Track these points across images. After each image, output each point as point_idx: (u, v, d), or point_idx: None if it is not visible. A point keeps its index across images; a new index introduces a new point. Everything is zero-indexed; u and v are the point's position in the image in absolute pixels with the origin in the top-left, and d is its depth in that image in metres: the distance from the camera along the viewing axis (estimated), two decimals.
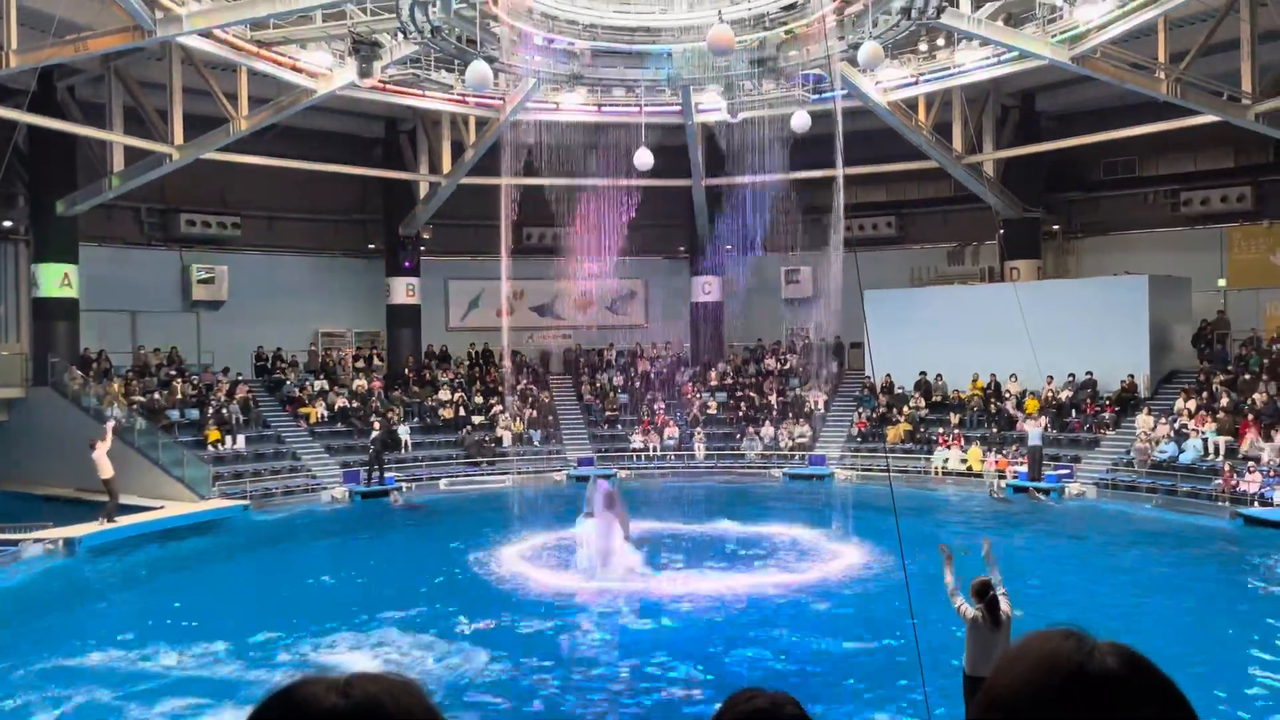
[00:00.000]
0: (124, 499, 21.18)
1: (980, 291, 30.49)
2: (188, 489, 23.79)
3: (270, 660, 12.61)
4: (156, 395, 26.75)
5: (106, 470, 20.35)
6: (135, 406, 25.77)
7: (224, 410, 27.05)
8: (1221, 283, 29.23)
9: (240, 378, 29.09)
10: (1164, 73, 22.58)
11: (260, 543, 21.12)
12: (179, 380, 27.72)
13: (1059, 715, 1.04)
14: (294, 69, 24.43)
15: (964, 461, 26.83)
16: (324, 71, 24.68)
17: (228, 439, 26.39)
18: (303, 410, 28.92)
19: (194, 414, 26.80)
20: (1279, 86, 22.50)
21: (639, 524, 19.40)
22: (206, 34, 21.91)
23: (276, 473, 26.25)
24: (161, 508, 22.49)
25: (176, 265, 30.68)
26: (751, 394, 32.19)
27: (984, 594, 8.86)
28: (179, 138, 24.69)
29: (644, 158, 25.68)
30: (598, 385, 33.17)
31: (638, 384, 33.11)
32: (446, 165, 30.54)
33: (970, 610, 8.92)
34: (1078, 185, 31.32)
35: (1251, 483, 21.61)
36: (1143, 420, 25.04)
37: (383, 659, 12.72)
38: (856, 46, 21.16)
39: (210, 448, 25.83)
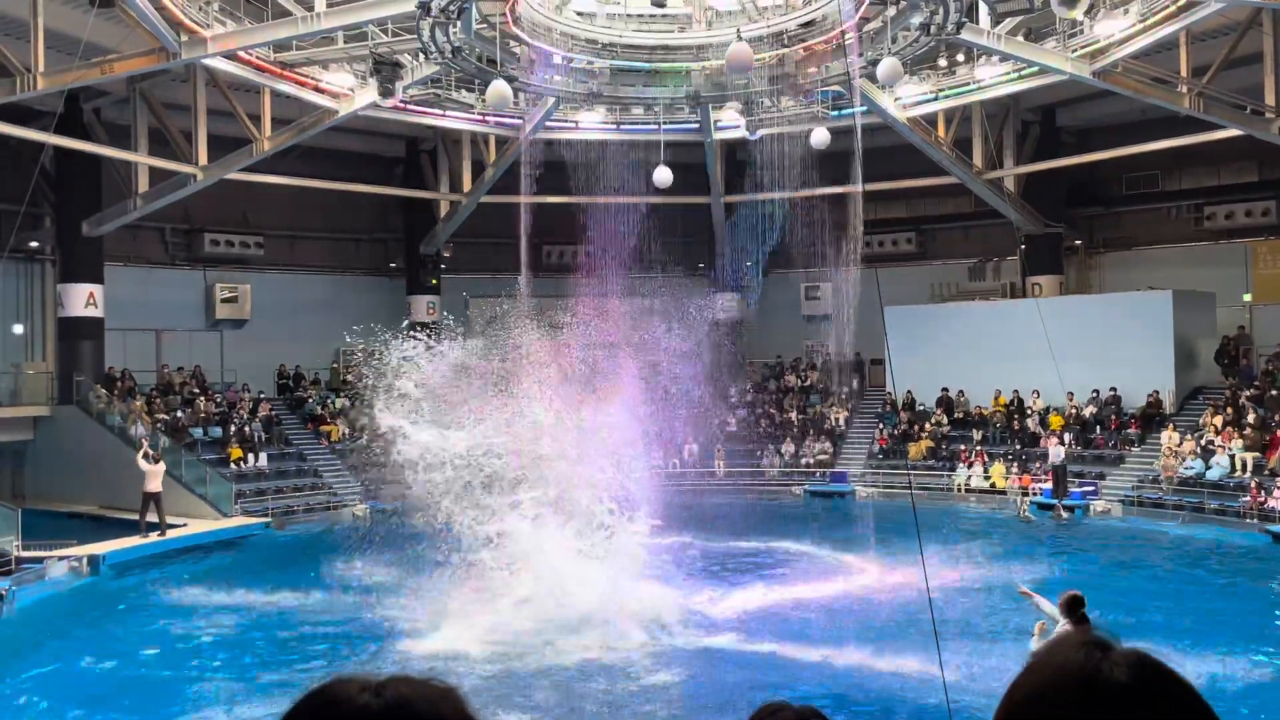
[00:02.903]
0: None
1: (1002, 307, 30.31)
2: (210, 506, 23.92)
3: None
4: (180, 413, 26.94)
5: (155, 485, 20.69)
6: (159, 425, 25.96)
7: (246, 428, 27.20)
8: (1247, 298, 28.95)
9: (263, 396, 29.27)
10: (1186, 87, 22.46)
11: (283, 560, 21.17)
12: (202, 398, 27.92)
13: None
14: (316, 90, 24.68)
15: (987, 479, 26.61)
16: (346, 92, 24.91)
17: (250, 457, 26.52)
18: (324, 428, 29.04)
19: (217, 432, 26.97)
20: None
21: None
22: (230, 56, 22.18)
23: (299, 490, 26.35)
24: (184, 525, 22.61)
25: (200, 284, 30.96)
26: (772, 410, 32.08)
27: (1074, 609, 8.66)
28: (203, 158, 24.97)
29: (663, 175, 25.76)
30: None
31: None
32: (467, 184, 30.73)
33: (1059, 619, 8.88)
34: (1100, 200, 31.15)
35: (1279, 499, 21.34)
36: (1168, 437, 24.77)
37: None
38: (876, 63, 21.18)
39: (233, 465, 25.97)
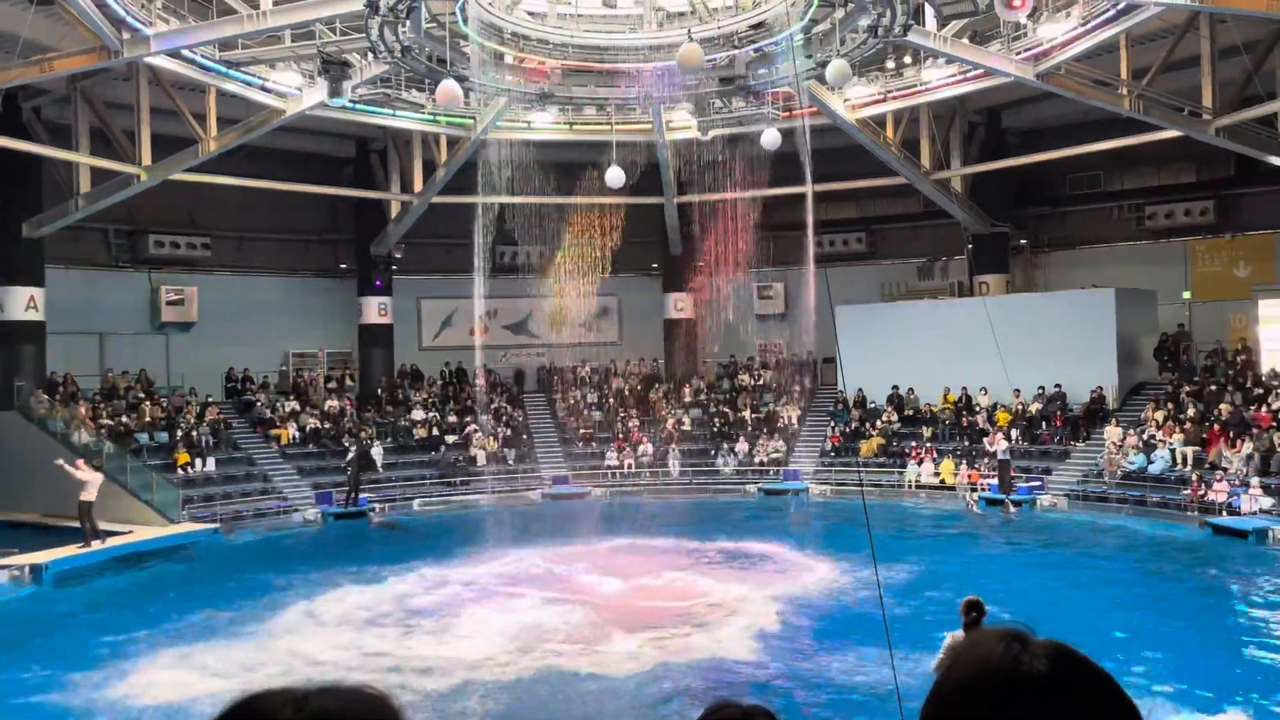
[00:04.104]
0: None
1: (950, 306, 30.75)
2: (157, 513, 23.48)
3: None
4: (125, 418, 26.43)
5: (91, 494, 20.20)
6: (103, 430, 25.45)
7: (194, 433, 26.77)
8: (1186, 295, 29.65)
9: (210, 399, 28.83)
10: (1127, 89, 22.95)
11: (232, 567, 20.87)
12: (148, 403, 27.43)
13: (993, 716, 1.06)
14: (263, 89, 24.35)
15: (936, 475, 26.98)
16: (293, 92, 24.61)
17: (197, 461, 26.10)
18: (274, 432, 28.67)
19: (163, 437, 26.51)
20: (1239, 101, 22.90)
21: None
22: (174, 54, 21.81)
23: (247, 495, 25.98)
24: (130, 532, 22.19)
25: (145, 287, 30.38)
26: (726, 410, 32.24)
27: (968, 612, 8.62)
28: (147, 158, 24.50)
29: (615, 176, 25.76)
30: (571, 403, 33.12)
31: (611, 401, 33.10)
32: (418, 184, 30.49)
33: (948, 638, 8.78)
34: (1044, 200, 31.69)
35: (1219, 492, 21.87)
36: (1111, 432, 25.30)
37: None
38: (825, 64, 21.37)
39: (180, 471, 25.53)
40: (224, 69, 23.28)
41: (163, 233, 29.87)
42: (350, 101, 24.77)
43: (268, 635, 14.92)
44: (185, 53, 22.02)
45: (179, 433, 26.59)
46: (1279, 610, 15.44)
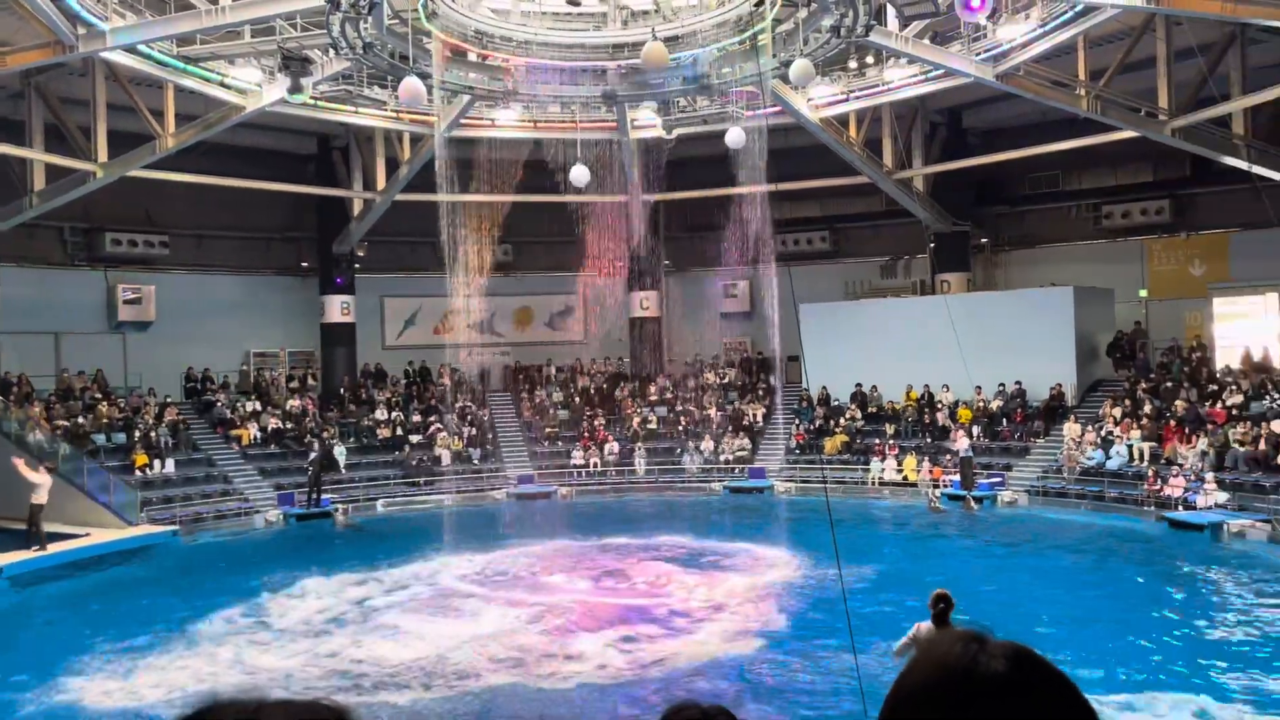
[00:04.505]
0: (47, 527, 20.53)
1: (912, 304, 31.03)
2: (115, 515, 23.11)
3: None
4: (81, 419, 25.99)
5: (42, 497, 19.82)
6: (59, 431, 25.01)
7: (152, 434, 26.38)
8: (1143, 293, 30.12)
9: (169, 400, 28.42)
10: (1084, 90, 23.26)
11: (190, 570, 20.60)
12: (104, 403, 26.99)
13: (950, 716, 1.07)
14: (222, 85, 24.04)
15: (900, 471, 27.22)
16: (253, 88, 24.32)
17: (156, 463, 25.73)
18: (234, 432, 28.33)
19: (121, 438, 26.08)
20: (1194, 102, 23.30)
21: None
22: (131, 49, 21.46)
23: (207, 497, 25.65)
24: (87, 535, 21.82)
25: (101, 285, 29.89)
26: (691, 408, 32.31)
27: (935, 604, 8.68)
28: (103, 155, 24.10)
29: (580, 174, 25.73)
30: (537, 402, 33.03)
31: (577, 400, 33.06)
32: (381, 182, 30.25)
33: (914, 628, 8.83)
34: (1004, 200, 32.06)
35: (1175, 487, 22.25)
36: (1070, 428, 25.65)
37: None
38: (788, 64, 21.47)
39: (138, 472, 25.15)
40: (182, 64, 22.95)
41: (119, 230, 29.40)
42: (311, 98, 24.52)
43: (225, 640, 14.73)
44: (142, 48, 21.68)
45: (137, 434, 26.20)
46: (1231, 602, 15.74)
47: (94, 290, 29.76)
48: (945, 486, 25.69)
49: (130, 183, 25.75)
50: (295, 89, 21.95)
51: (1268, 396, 23.53)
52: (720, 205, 28.30)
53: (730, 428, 30.92)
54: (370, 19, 19.74)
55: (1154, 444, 24.11)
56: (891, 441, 28.15)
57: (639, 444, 30.53)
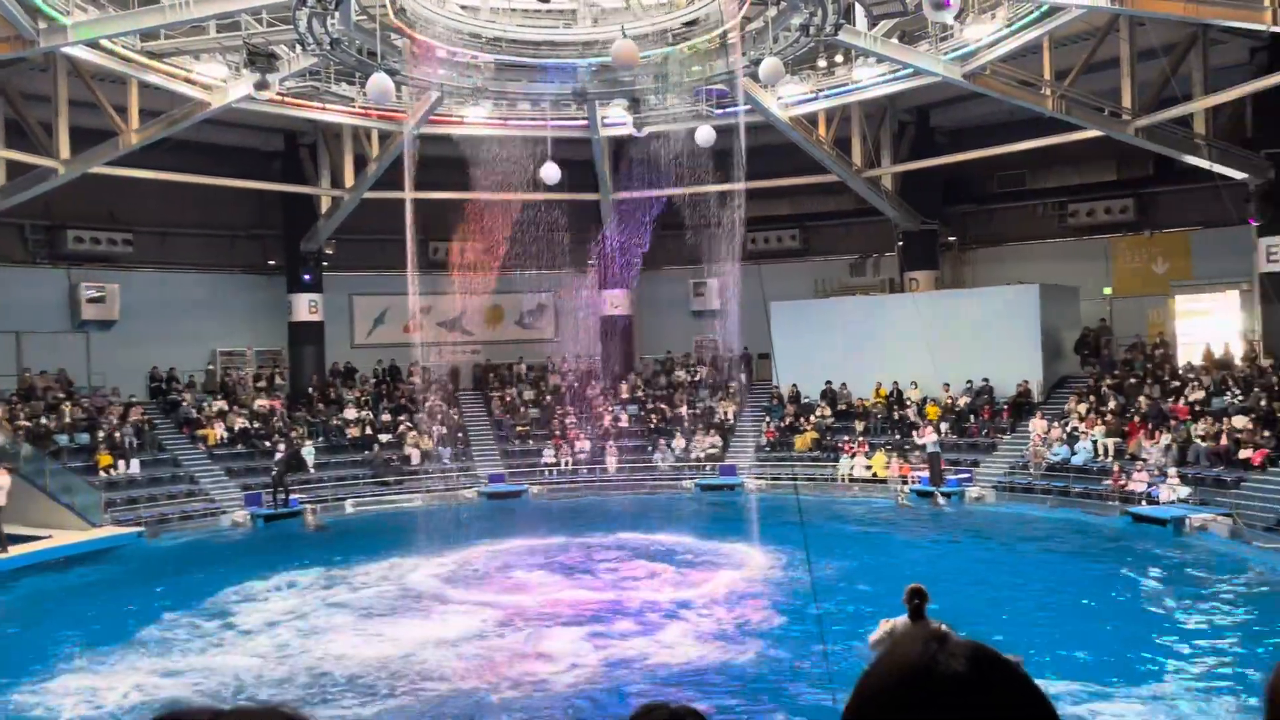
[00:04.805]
0: (8, 529, 20.23)
1: (882, 302, 31.23)
2: (78, 516, 22.77)
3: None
4: (43, 419, 25.60)
5: (0, 499, 19.54)
6: (20, 432, 24.62)
7: (116, 434, 26.04)
8: (1107, 291, 30.50)
9: (133, 400, 28.06)
10: (1050, 89, 23.51)
11: (155, 571, 20.35)
12: (68, 403, 26.60)
13: (911, 717, 1.07)
14: (187, 81, 23.76)
15: (869, 468, 27.39)
16: (218, 84, 24.06)
17: (120, 464, 25.40)
18: (201, 432, 28.03)
19: (84, 438, 25.71)
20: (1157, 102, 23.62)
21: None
22: (93, 44, 21.15)
23: (173, 498, 25.36)
24: (49, 537, 21.51)
25: (64, 284, 29.44)
26: (662, 406, 32.34)
27: (911, 599, 8.69)
28: (65, 151, 23.75)
29: (551, 171, 25.70)
30: (508, 400, 32.93)
31: (548, 398, 32.99)
32: (349, 179, 30.03)
33: (888, 623, 8.81)
34: (971, 198, 32.33)
35: (1139, 482, 22.54)
36: (1036, 424, 25.93)
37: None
38: (758, 62, 21.54)
39: (102, 473, 24.82)
40: (146, 60, 22.65)
41: (82, 228, 28.98)
42: (278, 94, 24.30)
43: (187, 643, 14.53)
44: (105, 43, 21.38)
45: (101, 434, 25.85)
46: (1192, 595, 15.97)
47: (56, 289, 29.32)
48: (914, 482, 25.89)
49: (93, 179, 25.40)
50: (261, 85, 21.75)
51: (1228, 392, 23.90)
52: (691, 204, 28.35)
53: (702, 425, 30.98)
54: (337, 14, 19.59)
55: (1118, 440, 24.41)
56: (861, 438, 28.33)
57: (610, 442, 30.51)
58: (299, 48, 22.08)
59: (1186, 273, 29.10)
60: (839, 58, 26.55)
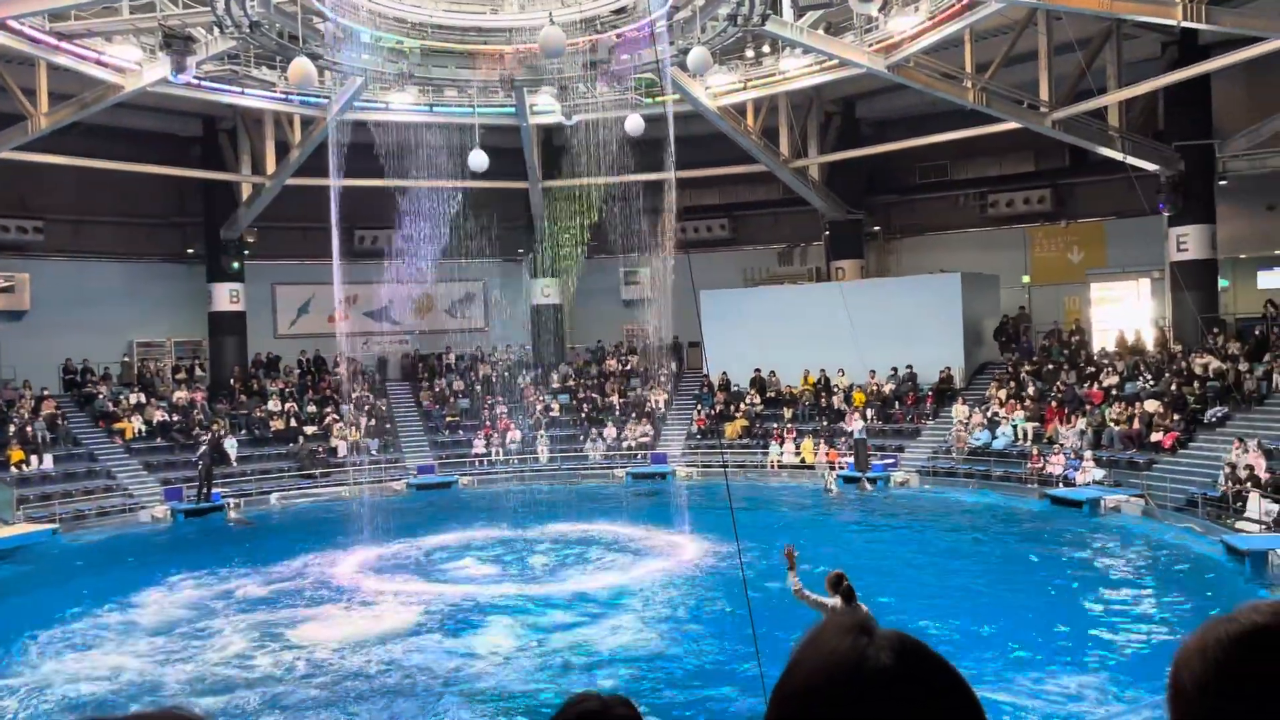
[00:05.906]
0: None
1: (809, 291, 31.63)
2: None
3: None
4: None
5: None
6: None
7: (28, 428, 25.16)
8: (1025, 279, 31.31)
9: (46, 393, 27.13)
10: (971, 82, 24.01)
11: (68, 570, 19.73)
12: None
13: (839, 713, 1.07)
14: (99, 63, 22.97)
15: (798, 455, 27.75)
16: (133, 66, 23.31)
17: (33, 459, 24.57)
18: (117, 426, 27.22)
19: None
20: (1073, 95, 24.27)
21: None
22: None
23: (89, 493, 24.61)
24: None
25: None
26: (594, 395, 32.33)
27: (839, 584, 8.93)
28: None
29: (478, 159, 25.44)
30: (437, 391, 32.60)
31: (478, 388, 32.74)
32: (270, 166, 29.37)
33: (828, 600, 9.02)
34: (895, 188, 32.88)
35: (1056, 465, 23.22)
36: (958, 410, 26.53)
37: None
38: (686, 51, 21.59)
39: (13, 469, 23.97)
40: (55, 40, 21.83)
41: None
42: (195, 78, 23.63)
43: (96, 645, 14.08)
44: (12, 23, 20.54)
45: (12, 429, 24.95)
46: (1106, 574, 16.53)
47: None
48: (841, 468, 26.29)
49: (1, 165, 24.43)
50: (178, 68, 21.12)
51: (1140, 378, 24.73)
52: (621, 193, 28.29)
53: (633, 414, 31.05)
54: None
55: (1037, 424, 25.10)
56: (790, 425, 28.67)
57: (541, 432, 30.41)
58: (217, 30, 21.49)
59: (1101, 261, 30.00)
60: (766, 48, 26.75)
